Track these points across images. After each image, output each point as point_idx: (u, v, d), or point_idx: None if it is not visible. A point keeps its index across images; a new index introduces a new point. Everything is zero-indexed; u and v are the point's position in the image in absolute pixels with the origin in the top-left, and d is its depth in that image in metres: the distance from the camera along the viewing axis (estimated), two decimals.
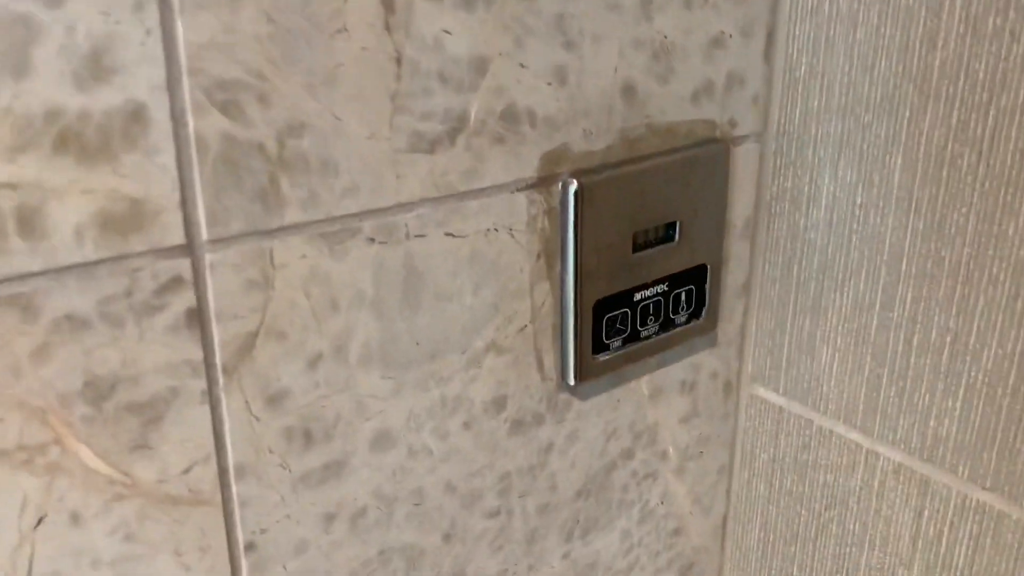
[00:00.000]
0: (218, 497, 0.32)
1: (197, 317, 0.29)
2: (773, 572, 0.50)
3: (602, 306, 0.40)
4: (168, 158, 0.27)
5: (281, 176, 0.30)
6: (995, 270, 0.37)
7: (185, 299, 0.29)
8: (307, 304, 0.31)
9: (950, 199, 0.38)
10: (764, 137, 0.44)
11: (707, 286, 0.44)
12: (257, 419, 0.32)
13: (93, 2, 0.25)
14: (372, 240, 0.32)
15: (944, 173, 0.38)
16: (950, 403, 0.40)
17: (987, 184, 0.36)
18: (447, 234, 0.34)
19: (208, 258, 0.29)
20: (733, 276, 0.46)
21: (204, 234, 0.29)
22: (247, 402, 0.31)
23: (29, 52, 0.24)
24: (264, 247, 0.30)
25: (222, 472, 0.31)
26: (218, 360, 0.30)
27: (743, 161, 0.44)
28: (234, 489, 0.32)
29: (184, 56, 0.27)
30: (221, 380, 0.30)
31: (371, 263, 0.33)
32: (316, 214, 0.31)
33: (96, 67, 0.25)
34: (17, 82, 0.24)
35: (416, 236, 0.33)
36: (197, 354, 0.30)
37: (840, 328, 0.43)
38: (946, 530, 0.41)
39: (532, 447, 0.41)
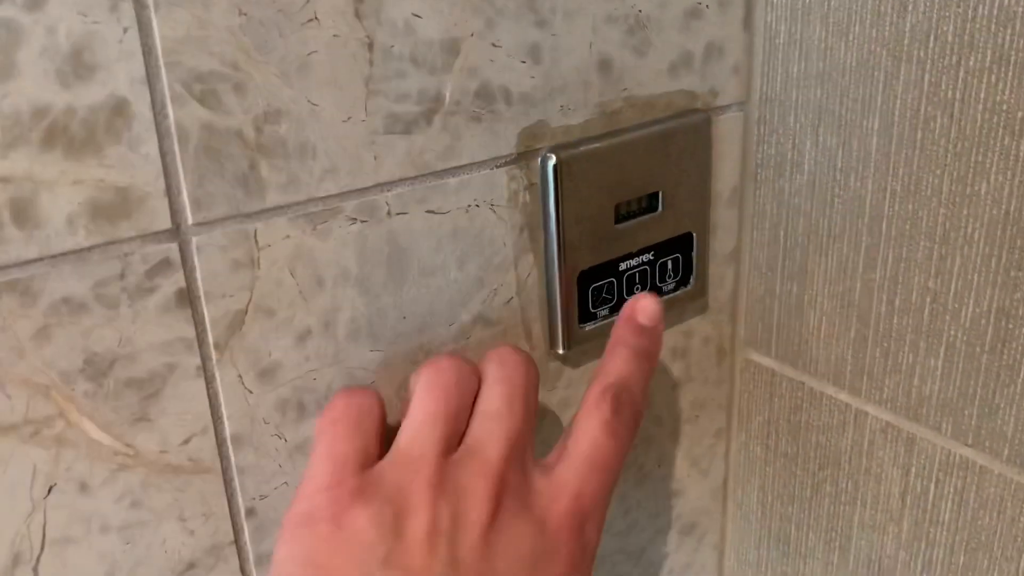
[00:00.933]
0: (218, 466, 0.34)
1: (187, 297, 0.31)
2: (773, 531, 0.51)
3: (587, 276, 0.41)
4: (151, 148, 0.29)
5: (261, 161, 0.31)
6: (970, 230, 0.37)
7: (175, 280, 0.31)
8: (293, 282, 0.33)
9: (925, 161, 0.38)
10: (747, 105, 0.45)
11: (694, 254, 0.45)
12: (251, 392, 0.33)
13: (71, 4, 0.26)
14: (354, 219, 0.34)
15: (919, 136, 0.38)
16: (932, 362, 0.40)
17: (959, 145, 0.37)
18: (428, 211, 0.36)
19: (194, 241, 0.31)
20: (721, 243, 0.47)
21: (189, 218, 0.30)
22: (240, 376, 0.33)
23: (13, 54, 0.26)
24: (248, 229, 0.32)
25: (220, 442, 0.33)
26: (210, 337, 0.32)
27: (727, 129, 0.45)
28: (232, 458, 0.34)
29: (161, 51, 0.28)
30: (214, 356, 0.32)
31: (354, 241, 0.34)
32: (297, 196, 0.32)
33: (78, 65, 0.27)
34: (3, 83, 0.26)
35: (397, 214, 0.35)
36: (189, 332, 0.31)
37: (826, 291, 0.44)
38: (932, 486, 0.42)
39: None
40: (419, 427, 0.33)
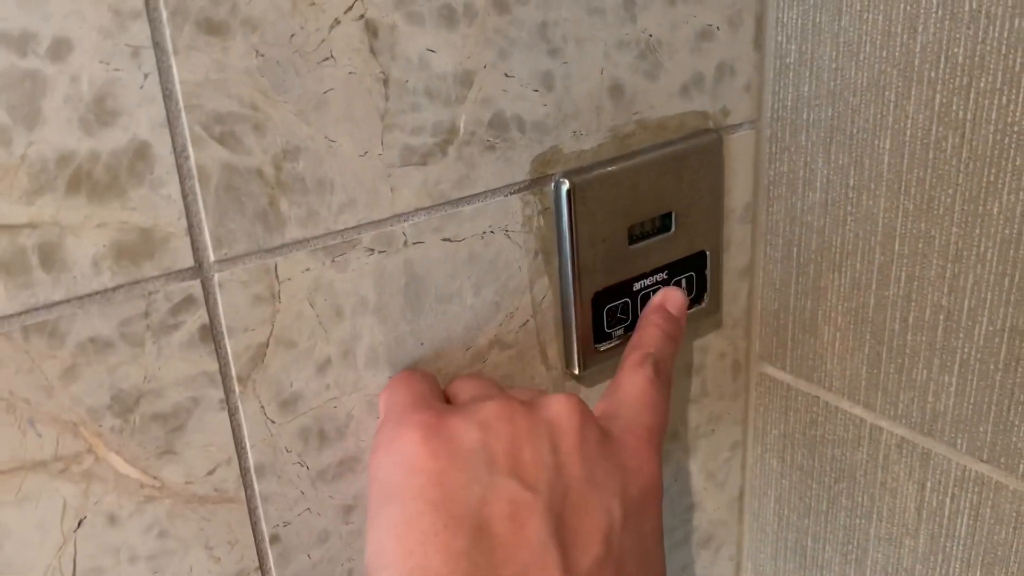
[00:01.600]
0: (242, 495, 0.34)
1: (210, 332, 0.32)
2: (789, 543, 0.52)
3: (601, 297, 0.41)
4: (173, 189, 0.30)
5: (280, 198, 0.32)
6: (982, 248, 0.37)
7: (198, 316, 0.31)
8: (313, 313, 0.34)
9: (937, 180, 0.38)
10: (759, 123, 0.45)
11: (707, 272, 0.45)
12: (273, 422, 0.34)
13: (93, 53, 0.27)
14: (371, 250, 0.34)
15: (930, 155, 0.38)
16: (946, 378, 0.40)
17: (971, 165, 0.37)
18: (444, 239, 0.36)
19: (217, 278, 0.31)
20: (735, 260, 0.47)
21: (211, 256, 0.31)
22: (262, 407, 0.34)
23: (38, 103, 0.27)
24: (268, 264, 0.32)
25: (244, 472, 0.34)
26: (233, 370, 0.32)
27: (739, 148, 0.45)
28: (256, 487, 0.34)
29: (181, 95, 0.29)
30: (237, 388, 0.33)
31: (372, 271, 0.35)
32: (315, 230, 0.33)
33: (100, 112, 0.28)
34: (30, 132, 0.27)
35: (414, 243, 0.35)
36: (213, 366, 0.32)
37: (840, 307, 0.44)
38: (948, 501, 0.42)
39: None
40: (477, 386, 0.36)
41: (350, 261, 0.34)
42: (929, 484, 0.43)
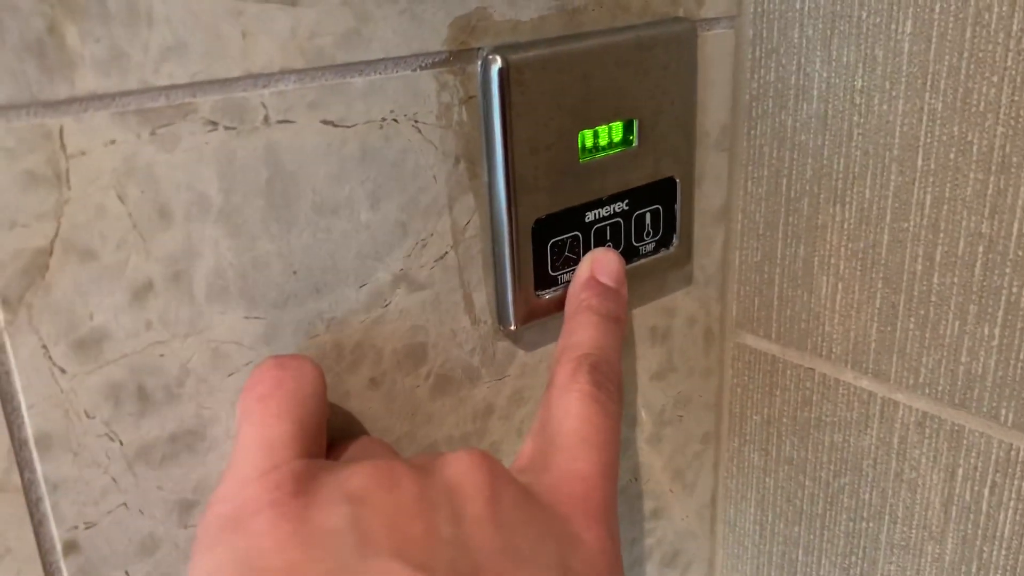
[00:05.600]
0: (16, 480, 0.23)
1: None
2: (774, 558, 0.42)
3: (544, 227, 0.31)
4: None
5: (66, 23, 0.21)
6: None
7: None
8: (123, 211, 0.23)
9: (977, 67, 0.30)
10: (739, 21, 0.36)
11: (677, 206, 0.35)
12: (63, 371, 0.23)
13: None
14: (214, 124, 0.24)
15: (967, 34, 0.29)
16: (986, 330, 0.31)
17: None
18: (325, 122, 0.26)
19: None
20: (709, 198, 0.38)
21: None
22: (45, 346, 0.23)
23: None
24: (49, 125, 0.21)
25: (18, 444, 0.23)
26: None
27: (714, 52, 0.36)
28: (39, 468, 0.23)
29: None
30: (1, 316, 0.22)
31: (215, 156, 0.24)
32: (125, 82, 0.22)
33: None
34: None
35: (279, 122, 0.25)
36: None
37: (843, 250, 0.35)
38: (986, 492, 0.33)
39: (465, 411, 0.32)
40: (363, 447, 0.27)
41: (181, 137, 0.24)
42: (961, 471, 0.33)
